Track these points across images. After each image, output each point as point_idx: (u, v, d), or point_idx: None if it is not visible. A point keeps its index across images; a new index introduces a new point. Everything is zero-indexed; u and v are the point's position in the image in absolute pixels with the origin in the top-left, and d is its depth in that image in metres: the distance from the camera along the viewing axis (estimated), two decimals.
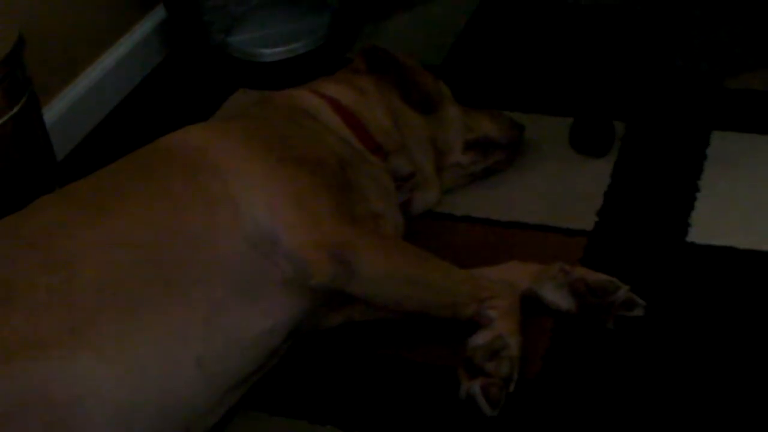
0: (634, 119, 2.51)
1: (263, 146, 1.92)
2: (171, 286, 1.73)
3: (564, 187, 2.33)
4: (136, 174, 1.89)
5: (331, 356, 1.97)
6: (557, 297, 1.97)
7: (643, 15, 2.72)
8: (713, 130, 2.45)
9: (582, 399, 1.83)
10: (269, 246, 1.80)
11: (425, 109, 2.25)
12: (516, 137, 2.38)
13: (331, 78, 2.26)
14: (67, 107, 2.71)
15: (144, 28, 3.02)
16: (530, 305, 1.96)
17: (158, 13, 3.06)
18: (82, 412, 1.60)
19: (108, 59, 2.88)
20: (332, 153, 1.98)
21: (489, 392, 1.78)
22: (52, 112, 2.64)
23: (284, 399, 1.90)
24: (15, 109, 2.15)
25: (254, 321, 1.79)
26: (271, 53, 2.95)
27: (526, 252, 2.11)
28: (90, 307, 1.67)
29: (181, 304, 1.73)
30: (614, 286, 1.94)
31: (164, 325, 1.70)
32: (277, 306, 1.81)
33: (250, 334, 1.79)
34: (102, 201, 1.83)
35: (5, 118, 2.13)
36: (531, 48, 2.89)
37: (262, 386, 1.88)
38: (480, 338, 1.84)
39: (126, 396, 1.64)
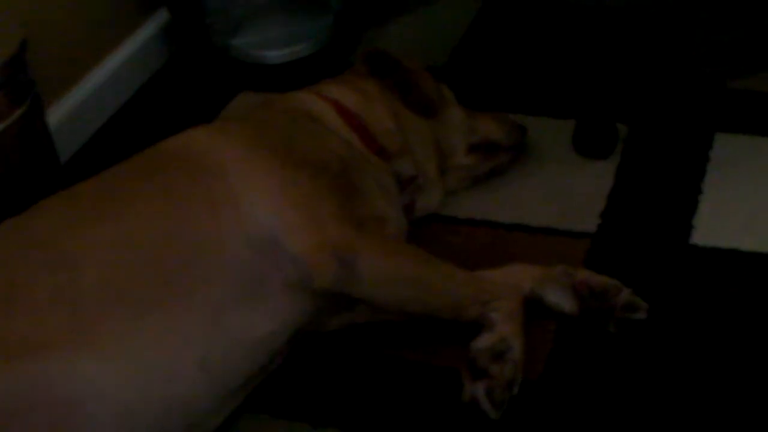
0: (637, 121, 2.51)
1: (266, 149, 1.92)
2: (174, 288, 1.73)
3: (567, 189, 2.33)
4: (140, 176, 1.90)
5: (334, 358, 1.97)
6: (560, 299, 1.97)
7: (647, 17, 2.72)
8: (716, 132, 2.44)
9: (585, 401, 1.83)
10: (272, 249, 1.80)
11: (426, 113, 2.25)
12: (519, 139, 2.38)
13: (334, 80, 2.26)
14: (70, 110, 2.71)
15: (147, 30, 3.02)
16: (533, 307, 1.96)
17: (161, 16, 3.06)
18: (85, 412, 1.61)
19: (111, 62, 2.88)
20: (335, 155, 1.98)
21: (492, 394, 1.78)
22: (56, 114, 2.64)
23: (287, 401, 1.90)
24: (19, 112, 2.15)
25: (257, 323, 1.79)
26: (274, 56, 2.95)
27: (529, 254, 2.11)
28: (93, 307, 1.68)
29: (184, 306, 1.73)
30: (617, 288, 1.94)
31: (167, 326, 1.71)
32: (280, 308, 1.81)
33: (253, 336, 1.79)
34: (105, 203, 1.84)
35: (9, 120, 2.13)
36: (534, 50, 2.89)
37: (265, 388, 1.88)
38: (483, 340, 1.84)
39: (129, 397, 1.64)
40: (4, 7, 2.42)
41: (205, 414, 1.75)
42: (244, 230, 1.80)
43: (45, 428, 1.58)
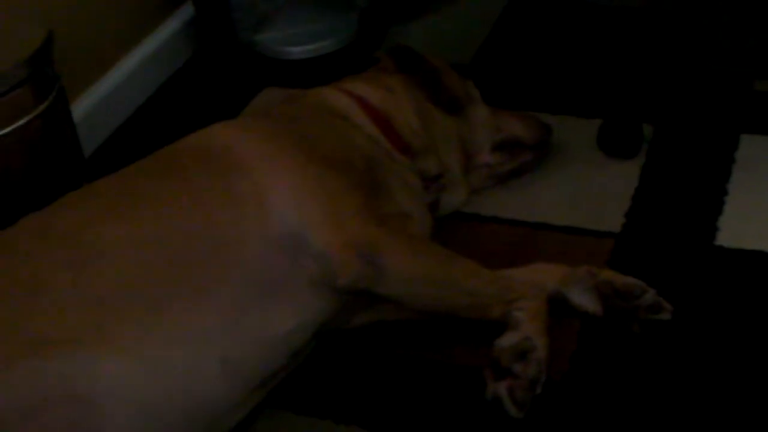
0: (662, 122, 2.50)
1: (290, 145, 1.92)
2: (196, 285, 1.73)
3: (592, 189, 2.32)
4: (162, 172, 1.90)
5: (357, 356, 1.97)
6: (584, 299, 1.96)
7: (672, 17, 2.71)
8: (742, 133, 2.43)
9: (608, 401, 1.82)
10: (296, 246, 1.80)
11: (451, 110, 2.25)
12: (544, 138, 2.38)
13: (360, 77, 2.26)
14: (95, 104, 2.71)
15: (172, 25, 3.02)
16: (557, 307, 1.95)
17: (186, 11, 3.07)
18: (105, 409, 1.60)
19: (136, 56, 2.88)
20: (360, 152, 1.98)
21: (515, 394, 1.78)
22: (80, 108, 2.64)
23: (309, 398, 1.90)
24: (43, 106, 2.16)
25: (279, 321, 1.79)
26: (299, 51, 2.95)
27: (553, 253, 2.11)
28: (115, 305, 1.68)
29: (206, 304, 1.73)
30: (641, 289, 1.93)
31: (189, 324, 1.70)
32: (302, 306, 1.81)
33: (275, 334, 1.78)
34: (128, 199, 1.84)
35: (34, 114, 2.14)
36: (559, 49, 2.88)
37: (287, 385, 1.88)
38: (507, 339, 1.83)
39: (149, 395, 1.64)
40: (30, 2, 2.43)
41: (225, 412, 1.75)
42: (266, 228, 1.79)
43: (64, 424, 1.58)
